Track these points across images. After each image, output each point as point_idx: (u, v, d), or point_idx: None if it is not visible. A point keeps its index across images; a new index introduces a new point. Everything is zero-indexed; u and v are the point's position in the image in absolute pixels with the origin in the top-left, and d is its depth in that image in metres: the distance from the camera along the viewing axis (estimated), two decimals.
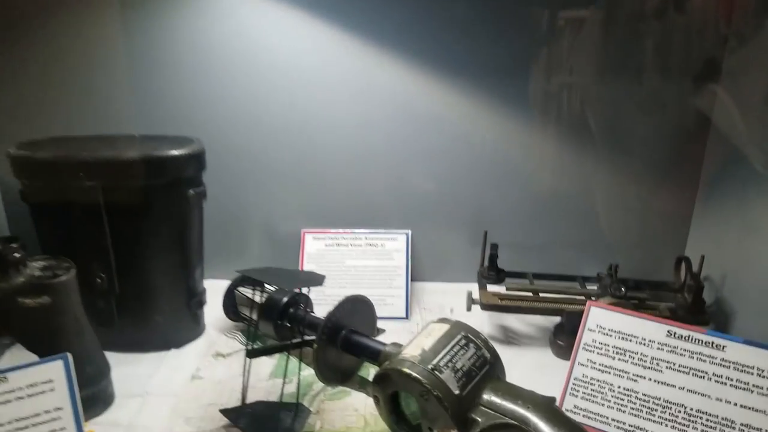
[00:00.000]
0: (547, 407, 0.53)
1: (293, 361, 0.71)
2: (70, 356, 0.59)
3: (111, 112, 0.83)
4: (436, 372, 0.55)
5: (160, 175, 0.68)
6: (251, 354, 0.59)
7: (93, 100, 0.83)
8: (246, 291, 0.75)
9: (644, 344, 0.60)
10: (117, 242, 0.70)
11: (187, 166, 0.70)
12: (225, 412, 0.63)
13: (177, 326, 0.76)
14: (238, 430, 0.61)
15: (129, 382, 0.69)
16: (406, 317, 0.83)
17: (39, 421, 0.56)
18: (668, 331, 0.60)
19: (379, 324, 0.77)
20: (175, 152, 0.68)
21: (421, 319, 0.84)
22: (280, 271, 0.61)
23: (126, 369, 0.71)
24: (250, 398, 0.66)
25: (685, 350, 0.58)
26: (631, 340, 0.60)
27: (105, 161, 0.67)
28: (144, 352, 0.75)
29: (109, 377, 0.67)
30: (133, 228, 0.70)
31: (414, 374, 0.55)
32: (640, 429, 0.57)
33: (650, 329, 0.60)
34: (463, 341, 0.58)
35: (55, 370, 0.57)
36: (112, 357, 0.72)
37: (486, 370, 0.57)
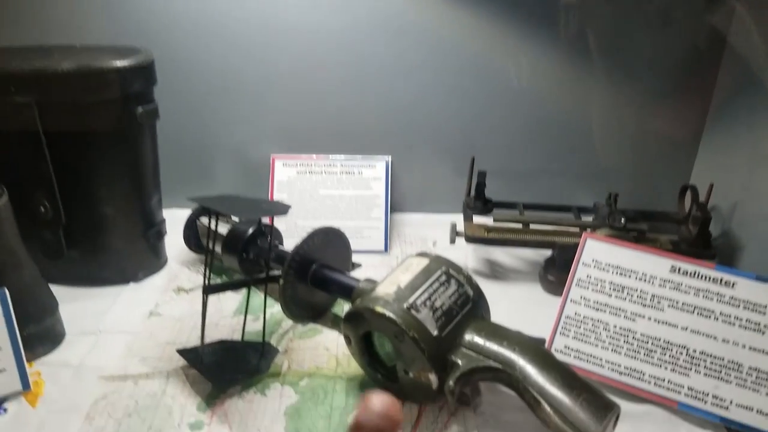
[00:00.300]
0: (536, 349, 0.47)
1: (260, 297, 0.65)
2: (6, 291, 0.53)
3: (51, 20, 0.73)
4: (413, 311, 0.49)
5: (101, 90, 0.60)
6: (208, 290, 0.53)
7: (30, 5, 0.73)
8: (208, 222, 0.68)
9: (645, 281, 0.54)
10: (60, 167, 0.62)
11: (132, 79, 0.61)
12: (182, 352, 0.57)
13: (134, 259, 0.70)
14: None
15: (82, 320, 0.63)
16: (385, 251, 0.77)
17: None
18: (672, 266, 0.54)
19: (356, 258, 0.71)
20: (118, 63, 0.60)
21: (401, 252, 0.78)
22: (239, 200, 0.54)
23: (79, 305, 0.65)
24: (214, 336, 0.60)
25: (690, 287, 0.53)
26: (630, 276, 0.55)
27: (37, 73, 0.59)
28: (100, 287, 0.69)
29: (56, 314, 0.61)
30: (77, 151, 0.62)
31: (388, 313, 0.49)
32: (637, 371, 0.52)
33: (652, 264, 0.54)
34: (444, 277, 0.52)
35: None
36: (65, 292, 0.66)
37: (468, 308, 0.51)
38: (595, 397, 0.43)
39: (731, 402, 0.49)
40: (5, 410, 0.52)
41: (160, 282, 0.70)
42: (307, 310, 0.63)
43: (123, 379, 0.56)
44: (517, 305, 0.65)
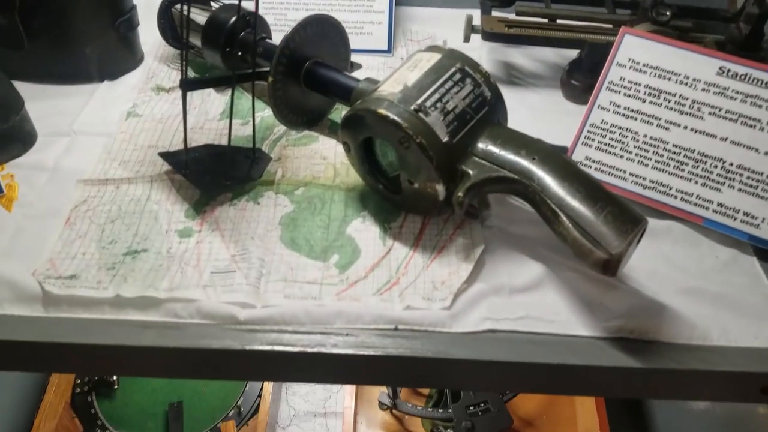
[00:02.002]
0: (556, 158, 0.42)
1: (248, 100, 0.58)
2: None
3: None
4: (421, 114, 0.43)
5: None
6: (186, 86, 0.46)
7: None
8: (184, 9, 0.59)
9: (686, 84, 0.47)
10: None
11: None
12: (165, 156, 0.52)
13: (106, 54, 0.62)
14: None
15: (53, 120, 0.57)
16: (388, 50, 0.68)
17: None
18: (720, 68, 0.47)
19: (355, 58, 0.63)
20: None
21: (407, 53, 0.69)
22: None
23: (49, 104, 0.59)
24: (199, 141, 0.55)
25: (737, 92, 0.46)
26: (670, 79, 0.48)
27: None
28: (71, 84, 0.62)
29: (22, 113, 0.55)
30: None
31: (392, 116, 0.42)
32: (663, 185, 0.48)
33: (698, 65, 0.47)
34: (458, 75, 0.45)
35: None
36: (32, 89, 0.59)
37: (484, 112, 0.45)
38: (622, 210, 0.38)
39: (763, 220, 0.45)
40: None
41: (137, 80, 0.63)
42: (300, 114, 0.57)
43: (103, 183, 0.51)
44: (534, 114, 0.59)
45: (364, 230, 0.48)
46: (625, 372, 0.40)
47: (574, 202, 0.40)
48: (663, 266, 0.45)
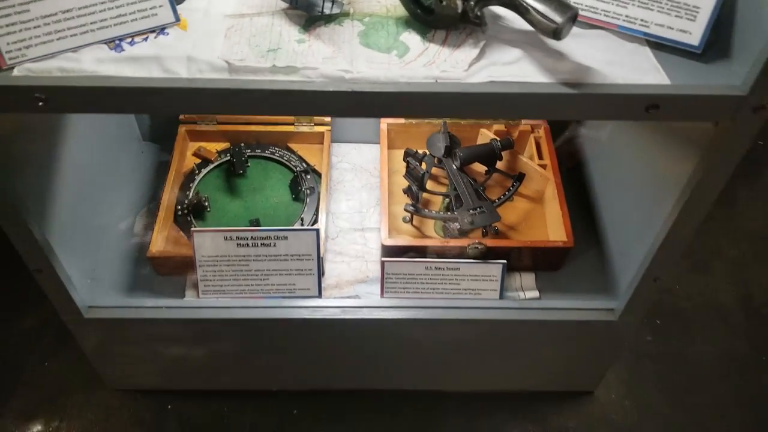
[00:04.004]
0: None
1: None
2: None
3: None
4: None
5: None
6: None
7: None
8: None
9: None
10: None
11: None
12: None
13: None
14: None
15: None
16: None
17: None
18: None
19: None
20: None
21: None
22: None
23: None
24: None
25: None
26: None
27: None
28: None
29: None
30: None
31: None
32: (593, 8, 0.77)
33: None
34: None
35: None
36: None
37: None
38: (562, 3, 0.68)
39: (652, 23, 0.75)
40: (167, 33, 0.77)
41: None
42: None
43: (241, 16, 0.80)
44: None
45: (411, 38, 0.78)
46: (560, 97, 0.70)
47: (538, 4, 0.69)
48: (593, 51, 0.75)
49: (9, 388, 1.29)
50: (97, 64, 0.72)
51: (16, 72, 0.70)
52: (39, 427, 1.24)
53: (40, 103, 0.71)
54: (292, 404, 1.28)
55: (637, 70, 0.74)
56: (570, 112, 0.76)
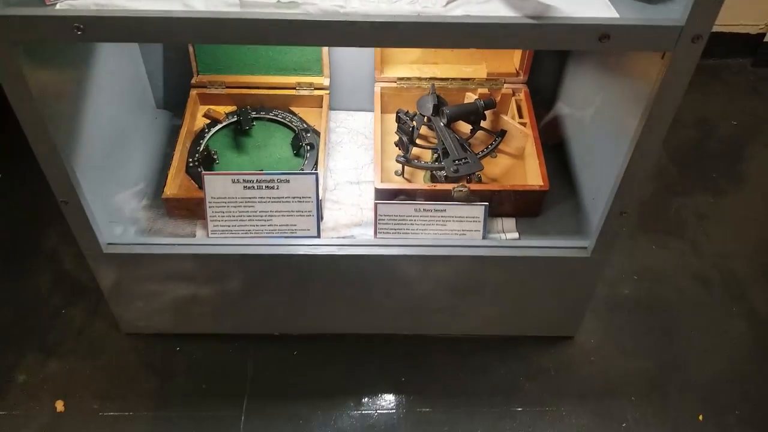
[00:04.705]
0: None
1: None
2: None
3: None
4: None
5: None
6: None
7: None
8: None
9: None
10: None
11: None
12: None
13: None
14: None
15: None
16: None
17: None
18: None
19: None
20: None
21: None
22: None
23: None
24: None
25: None
26: None
27: None
28: None
29: None
30: None
31: None
32: None
33: None
34: None
35: None
36: None
37: None
38: None
39: None
40: None
41: None
42: None
43: None
44: None
45: None
46: (525, 27, 0.82)
47: None
48: None
49: (26, 336, 1.39)
50: (127, 0, 0.84)
51: (58, 6, 0.82)
52: (54, 369, 1.34)
53: (79, 32, 0.82)
54: (292, 347, 1.38)
55: (592, 7, 0.85)
56: (534, 42, 0.88)
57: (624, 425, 1.29)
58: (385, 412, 1.29)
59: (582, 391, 1.34)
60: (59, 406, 1.29)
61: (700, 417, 1.31)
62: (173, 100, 1.49)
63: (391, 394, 1.31)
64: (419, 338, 1.40)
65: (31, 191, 1.64)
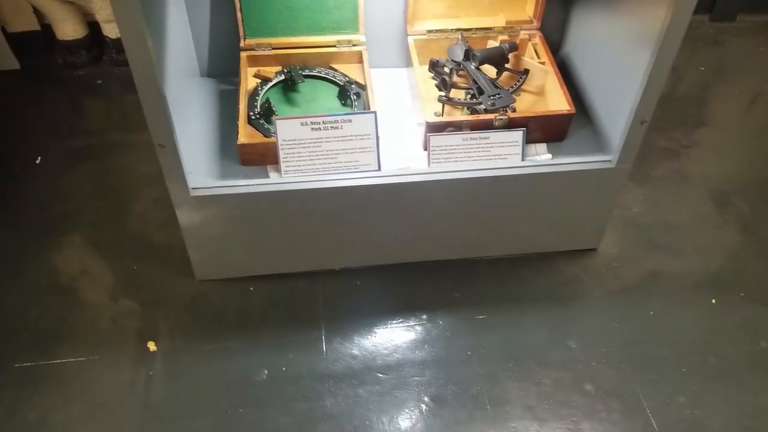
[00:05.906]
0: None
1: None
2: None
3: None
4: None
5: None
6: None
7: None
8: None
9: None
10: None
11: None
12: None
13: None
14: None
15: None
16: None
17: None
18: None
19: None
20: None
21: None
22: None
23: None
24: None
25: None
26: None
27: None
28: None
29: None
30: None
31: None
32: None
33: None
34: None
35: None
36: None
37: None
38: None
39: None
40: None
41: None
42: None
43: None
44: None
45: None
46: None
47: None
48: None
49: (113, 287, 1.50)
50: None
51: None
52: (136, 307, 1.46)
53: None
54: (354, 278, 1.53)
55: None
56: None
57: (651, 313, 1.50)
58: (449, 320, 1.46)
59: (612, 288, 1.54)
60: (151, 346, 1.41)
61: (713, 301, 1.53)
62: (216, 69, 1.62)
63: (450, 307, 1.48)
64: (465, 261, 1.57)
65: None
